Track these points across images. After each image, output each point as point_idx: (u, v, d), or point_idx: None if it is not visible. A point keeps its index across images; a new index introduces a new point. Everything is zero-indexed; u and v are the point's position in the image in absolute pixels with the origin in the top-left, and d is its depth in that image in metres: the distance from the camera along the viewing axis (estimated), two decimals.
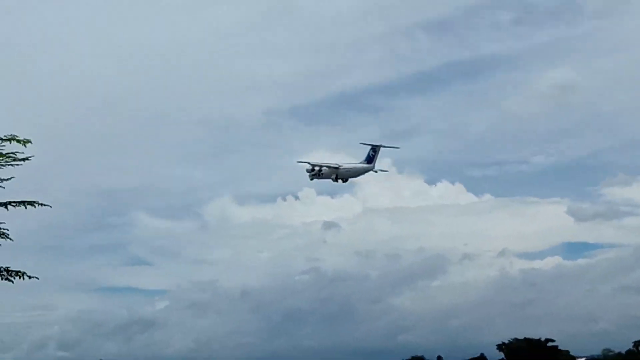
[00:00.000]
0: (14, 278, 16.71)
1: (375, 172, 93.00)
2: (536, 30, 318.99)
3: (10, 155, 16.12)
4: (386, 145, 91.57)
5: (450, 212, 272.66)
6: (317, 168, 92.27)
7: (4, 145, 16.06)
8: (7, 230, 16.84)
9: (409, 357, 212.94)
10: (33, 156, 16.25)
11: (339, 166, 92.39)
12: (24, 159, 16.31)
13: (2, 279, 16.72)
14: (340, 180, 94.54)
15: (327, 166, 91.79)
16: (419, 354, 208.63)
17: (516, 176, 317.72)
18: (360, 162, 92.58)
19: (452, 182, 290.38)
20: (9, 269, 16.73)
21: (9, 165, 16.33)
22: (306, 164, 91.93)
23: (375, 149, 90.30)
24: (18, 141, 16.18)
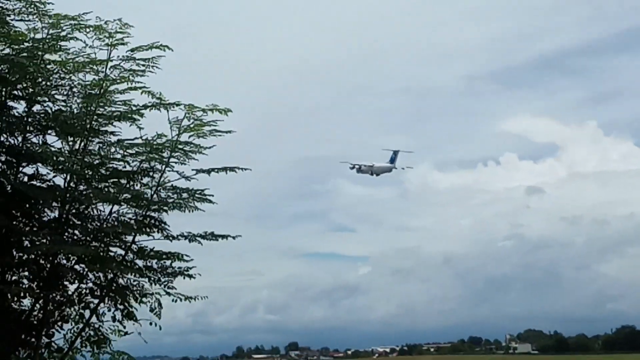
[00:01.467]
0: (218, 239, 17.47)
1: (403, 169, 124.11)
2: None
3: (212, 123, 16.90)
4: (404, 150, 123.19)
5: None
6: (357, 166, 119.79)
7: (206, 115, 16.93)
8: (212, 195, 17.53)
9: (619, 326, 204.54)
10: (235, 131, 16.78)
11: (373, 165, 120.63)
12: (227, 131, 16.90)
13: (207, 240, 17.50)
14: (374, 175, 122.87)
15: (364, 165, 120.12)
16: (629, 324, 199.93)
17: None
18: (387, 163, 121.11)
19: None
20: (214, 233, 17.47)
21: (212, 135, 17.02)
22: (347, 163, 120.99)
23: (395, 153, 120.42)
24: (219, 111, 17.16)
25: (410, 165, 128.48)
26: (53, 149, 16.27)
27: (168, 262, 16.86)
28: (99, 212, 16.72)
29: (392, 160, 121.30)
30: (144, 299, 16.97)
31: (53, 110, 16.30)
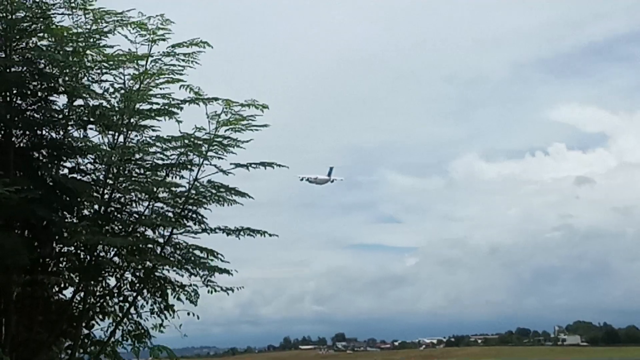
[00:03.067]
0: (254, 235, 17.53)
1: (341, 180, 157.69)
2: None
3: (250, 118, 17.04)
4: (333, 166, 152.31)
5: None
6: (305, 178, 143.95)
7: (244, 110, 17.13)
8: (248, 195, 17.59)
9: None
10: (269, 125, 16.84)
11: (317, 177, 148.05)
12: (262, 125, 16.99)
13: (244, 234, 17.59)
14: (318, 184, 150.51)
15: (310, 177, 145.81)
16: None
17: None
18: (326, 176, 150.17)
19: None
20: (250, 228, 17.53)
21: (249, 129, 17.15)
22: (297, 176, 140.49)
23: (331, 168, 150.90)
24: (256, 106, 16.63)
25: (342, 177, 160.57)
26: (93, 143, 16.49)
27: (204, 257, 16.96)
28: (138, 205, 16.94)
29: (329, 174, 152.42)
30: (181, 291, 17.13)
31: (93, 104, 16.50)
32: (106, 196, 16.59)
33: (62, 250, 16.54)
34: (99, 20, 15.97)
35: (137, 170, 16.95)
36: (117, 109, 16.49)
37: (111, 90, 16.61)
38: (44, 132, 16.33)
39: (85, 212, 16.68)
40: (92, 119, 16.41)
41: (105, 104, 16.52)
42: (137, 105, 16.52)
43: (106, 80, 16.56)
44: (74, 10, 15.79)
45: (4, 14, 15.21)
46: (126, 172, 16.77)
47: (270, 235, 17.25)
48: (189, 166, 16.96)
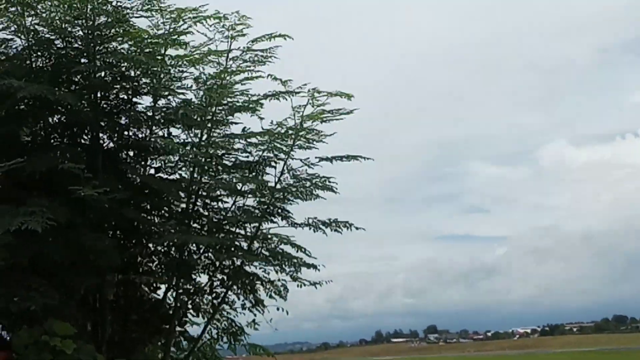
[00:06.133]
0: (342, 229, 17.28)
1: None
2: None
3: (335, 111, 16.74)
4: None
5: None
6: None
7: (329, 103, 16.88)
8: (336, 183, 17.28)
9: None
10: (358, 108, 16.50)
11: None
12: (349, 112, 16.67)
13: (331, 230, 17.36)
14: None
15: None
16: None
17: None
18: None
19: None
20: (337, 220, 17.29)
21: (335, 118, 16.85)
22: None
23: None
24: (341, 95, 16.25)
25: None
26: (178, 141, 16.56)
27: (293, 252, 16.84)
28: (223, 203, 16.97)
29: None
30: (270, 287, 17.10)
31: (176, 104, 16.57)
32: (192, 195, 16.66)
33: (153, 250, 16.69)
34: (176, 20, 15.99)
35: (221, 168, 16.95)
36: (199, 107, 16.52)
37: (194, 87, 16.64)
38: (129, 133, 16.50)
39: (173, 211, 16.81)
40: (175, 118, 16.46)
41: (187, 103, 16.56)
42: (219, 102, 16.52)
43: (187, 78, 16.59)
44: (151, 13, 15.83)
45: (86, 21, 15.39)
46: (211, 170, 16.78)
47: (357, 228, 16.98)
48: (273, 162, 16.85)
